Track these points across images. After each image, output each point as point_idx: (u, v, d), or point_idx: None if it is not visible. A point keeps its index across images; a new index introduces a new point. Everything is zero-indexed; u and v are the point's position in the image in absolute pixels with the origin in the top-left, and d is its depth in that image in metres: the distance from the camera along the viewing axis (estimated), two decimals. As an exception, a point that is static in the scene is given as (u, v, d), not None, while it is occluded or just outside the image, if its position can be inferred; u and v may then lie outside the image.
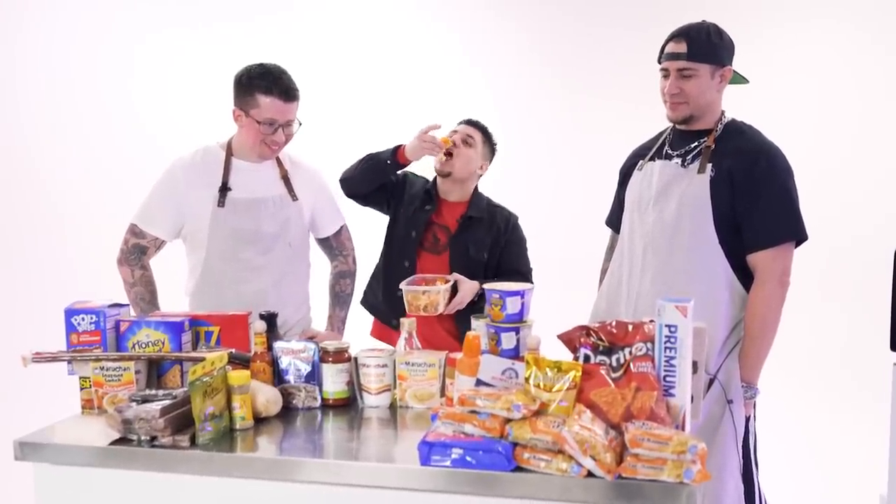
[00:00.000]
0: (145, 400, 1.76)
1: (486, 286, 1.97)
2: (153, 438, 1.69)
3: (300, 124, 2.53)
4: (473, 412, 1.56)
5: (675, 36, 2.29)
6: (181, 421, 1.72)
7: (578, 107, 3.92)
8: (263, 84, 2.43)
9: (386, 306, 2.82)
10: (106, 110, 4.02)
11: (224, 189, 2.49)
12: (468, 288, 2.62)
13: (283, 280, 2.57)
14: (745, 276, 2.27)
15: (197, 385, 1.70)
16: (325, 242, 2.80)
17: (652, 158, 2.41)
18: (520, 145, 4.04)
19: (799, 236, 2.24)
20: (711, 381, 2.20)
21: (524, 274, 2.79)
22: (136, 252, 2.52)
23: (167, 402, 1.73)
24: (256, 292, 2.49)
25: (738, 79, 2.39)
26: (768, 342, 2.24)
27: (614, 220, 2.59)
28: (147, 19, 4.04)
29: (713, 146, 2.26)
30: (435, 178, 2.84)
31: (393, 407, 2.02)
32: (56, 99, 3.97)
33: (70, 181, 3.93)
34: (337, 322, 2.78)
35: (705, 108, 2.30)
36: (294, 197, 2.59)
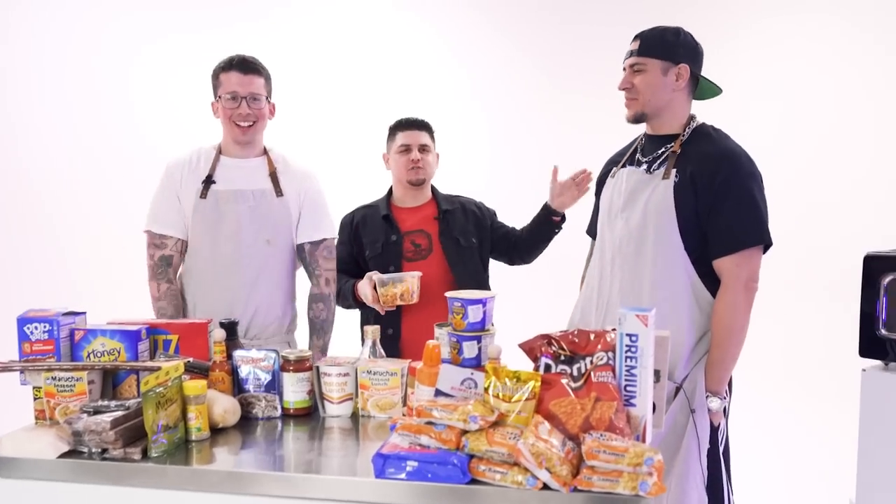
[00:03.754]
0: (97, 411, 1.72)
1: (448, 294, 1.94)
2: (104, 451, 1.65)
3: (268, 101, 2.56)
4: (430, 423, 1.53)
5: (635, 38, 2.31)
6: (133, 433, 1.68)
7: (567, 107, 3.91)
8: (223, 63, 2.54)
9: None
10: (103, 116, 4.00)
11: (208, 181, 2.51)
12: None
13: (259, 277, 2.52)
14: (714, 283, 2.21)
15: (149, 396, 1.66)
16: (300, 252, 2.63)
17: (624, 165, 2.38)
18: (507, 146, 4.04)
19: (762, 241, 2.19)
20: (678, 390, 2.15)
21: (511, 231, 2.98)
22: (163, 265, 2.50)
23: (119, 413, 1.69)
24: (233, 289, 2.49)
25: (711, 88, 2.33)
26: (734, 350, 2.19)
27: (594, 229, 2.56)
28: (143, 26, 4.03)
29: (679, 151, 2.23)
30: (389, 201, 2.89)
31: (355, 416, 1.99)
32: (53, 105, 3.93)
33: (66, 185, 3.90)
34: (316, 352, 2.57)
35: (661, 108, 2.26)
36: (279, 192, 2.55)
